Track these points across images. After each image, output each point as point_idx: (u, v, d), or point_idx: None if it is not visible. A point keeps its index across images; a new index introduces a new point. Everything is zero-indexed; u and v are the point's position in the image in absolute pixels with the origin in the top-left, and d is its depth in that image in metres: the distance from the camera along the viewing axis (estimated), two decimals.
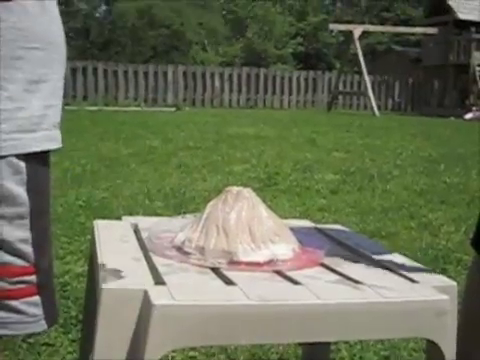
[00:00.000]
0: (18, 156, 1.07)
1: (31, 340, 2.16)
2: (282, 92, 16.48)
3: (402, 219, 4.20)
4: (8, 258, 1.10)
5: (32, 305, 1.16)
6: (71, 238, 3.31)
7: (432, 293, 1.23)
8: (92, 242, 1.48)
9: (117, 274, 1.18)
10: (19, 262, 1.12)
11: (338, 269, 1.32)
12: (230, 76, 15.99)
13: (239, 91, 16.03)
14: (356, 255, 1.46)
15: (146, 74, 15.72)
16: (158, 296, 1.06)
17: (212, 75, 15.89)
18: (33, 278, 1.15)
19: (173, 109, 12.99)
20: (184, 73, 15.77)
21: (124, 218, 1.71)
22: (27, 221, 1.11)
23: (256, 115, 11.85)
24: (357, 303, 1.15)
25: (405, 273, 1.33)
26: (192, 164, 5.97)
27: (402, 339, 2.32)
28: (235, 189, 1.37)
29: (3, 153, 1.04)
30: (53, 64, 1.14)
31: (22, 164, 1.08)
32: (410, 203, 4.66)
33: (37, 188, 1.11)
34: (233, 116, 11.37)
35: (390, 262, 1.41)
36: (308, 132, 8.94)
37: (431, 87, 18.20)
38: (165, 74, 15.70)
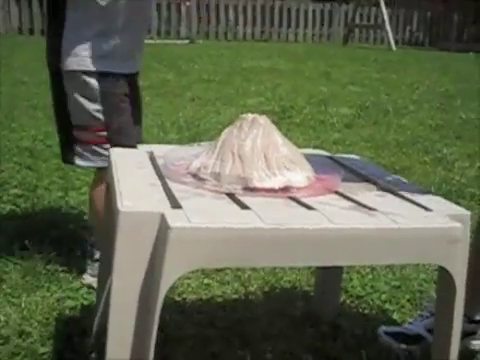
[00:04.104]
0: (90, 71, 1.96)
1: (49, 267, 2.21)
2: (297, 25, 16.12)
3: (417, 154, 4.18)
4: (89, 121, 1.99)
5: (104, 149, 1.99)
6: (87, 169, 3.33)
7: (445, 221, 1.24)
8: (109, 168, 1.50)
9: (134, 198, 1.19)
10: (96, 123, 1.99)
11: (352, 196, 1.32)
12: (244, 8, 15.64)
13: (253, 24, 15.71)
14: (371, 184, 1.46)
15: (159, 6, 15.42)
16: (175, 219, 1.08)
17: (226, 7, 15.58)
18: (104, 134, 2.00)
19: (187, 42, 12.82)
20: (197, 5, 15.46)
21: (140, 146, 1.72)
22: (99, 99, 1.97)
23: (270, 48, 11.66)
24: (371, 228, 1.16)
25: (419, 201, 1.33)
26: (206, 97, 5.92)
27: (413, 270, 2.35)
28: (250, 116, 1.37)
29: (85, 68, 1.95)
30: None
31: (93, 71, 1.95)
32: (425, 138, 4.63)
33: (105, 84, 1.98)
34: (247, 49, 11.19)
35: (404, 191, 1.42)
36: (323, 66, 8.80)
37: (450, 20, 17.72)
38: (178, 6, 15.41)
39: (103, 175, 2.00)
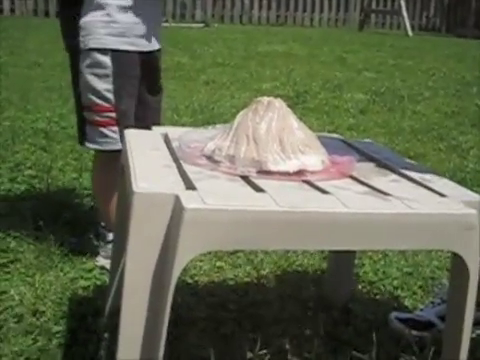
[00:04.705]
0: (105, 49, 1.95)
1: (64, 248, 2.23)
2: (313, 9, 16.01)
3: (431, 141, 4.16)
4: (98, 101, 1.96)
5: (112, 131, 1.97)
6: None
7: (460, 207, 1.23)
8: (123, 150, 1.50)
9: (149, 179, 1.20)
10: (105, 103, 1.96)
11: (367, 181, 1.32)
12: None
13: (269, 8, 15.62)
14: (385, 168, 1.46)
15: None
16: (189, 200, 1.08)
17: None
18: (114, 115, 1.97)
19: (201, 25, 12.77)
20: None
21: (154, 128, 1.72)
22: (111, 78, 1.95)
23: (286, 33, 11.59)
24: (385, 213, 1.16)
25: (434, 187, 1.33)
26: (220, 81, 5.90)
27: (425, 256, 2.34)
28: (266, 99, 1.37)
29: (100, 46, 1.94)
30: None
31: (108, 49, 1.94)
32: (440, 125, 4.59)
33: (119, 64, 1.96)
34: (262, 33, 11.12)
35: (419, 176, 1.41)
36: (338, 51, 8.74)
37: (468, 6, 17.49)
38: None
39: (107, 159, 2.02)
